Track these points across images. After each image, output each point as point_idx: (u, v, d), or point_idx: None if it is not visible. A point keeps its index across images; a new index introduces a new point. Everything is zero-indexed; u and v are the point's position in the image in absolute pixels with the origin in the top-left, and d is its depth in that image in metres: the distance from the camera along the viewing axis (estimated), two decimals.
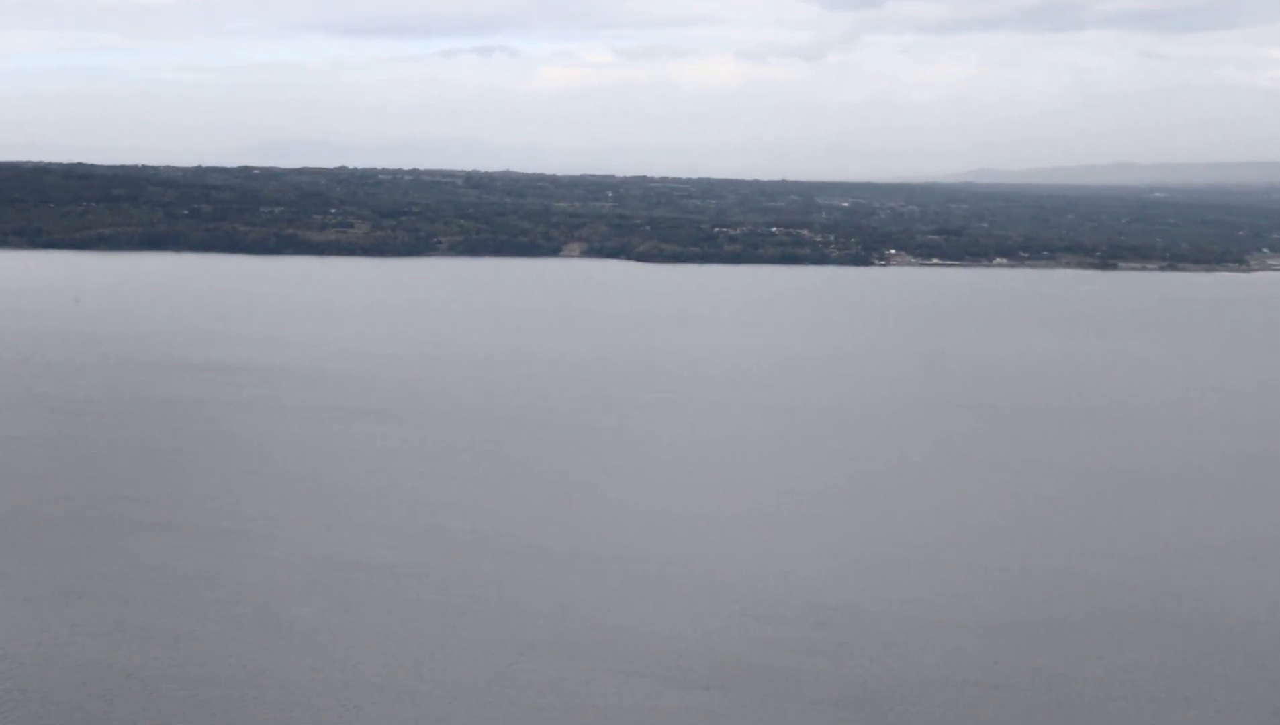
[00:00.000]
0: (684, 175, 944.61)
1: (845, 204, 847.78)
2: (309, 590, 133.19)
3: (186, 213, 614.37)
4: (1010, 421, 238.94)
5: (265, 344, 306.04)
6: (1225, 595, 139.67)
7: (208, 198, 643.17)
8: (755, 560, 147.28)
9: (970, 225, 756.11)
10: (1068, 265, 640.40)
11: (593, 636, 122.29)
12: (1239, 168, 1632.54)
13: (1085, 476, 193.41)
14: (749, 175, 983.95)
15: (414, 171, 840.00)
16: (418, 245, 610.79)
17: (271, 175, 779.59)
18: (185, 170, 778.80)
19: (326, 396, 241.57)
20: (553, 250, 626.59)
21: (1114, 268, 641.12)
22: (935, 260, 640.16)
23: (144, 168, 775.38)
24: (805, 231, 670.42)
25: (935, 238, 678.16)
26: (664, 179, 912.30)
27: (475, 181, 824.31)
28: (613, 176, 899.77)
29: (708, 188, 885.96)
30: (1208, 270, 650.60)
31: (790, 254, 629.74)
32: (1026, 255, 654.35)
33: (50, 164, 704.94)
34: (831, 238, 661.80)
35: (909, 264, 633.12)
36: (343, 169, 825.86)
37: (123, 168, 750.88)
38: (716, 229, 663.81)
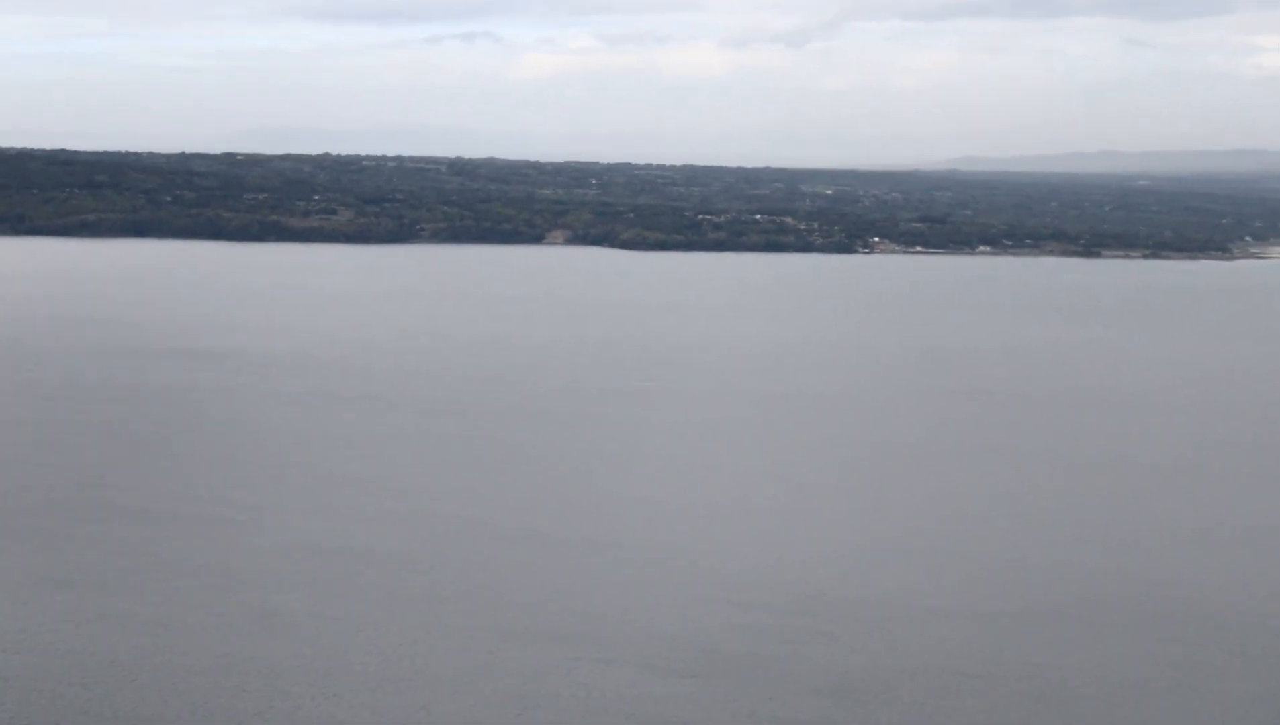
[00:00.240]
0: (668, 162, 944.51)
1: (829, 191, 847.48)
2: (293, 578, 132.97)
3: (170, 199, 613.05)
4: (999, 409, 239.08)
5: (249, 330, 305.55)
6: (1213, 584, 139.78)
7: (191, 184, 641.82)
8: (742, 548, 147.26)
9: (954, 213, 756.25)
10: (1051, 253, 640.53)
11: (576, 624, 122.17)
12: (1224, 156, 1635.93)
13: (1074, 465, 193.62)
14: (733, 162, 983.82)
15: (398, 158, 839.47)
16: (401, 232, 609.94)
17: (255, 162, 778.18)
18: (169, 156, 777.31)
19: (311, 383, 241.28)
20: (536, 237, 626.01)
21: (1097, 256, 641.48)
22: (919, 248, 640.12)
23: (127, 154, 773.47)
24: (789, 219, 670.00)
25: (919, 225, 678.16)
26: (648, 166, 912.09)
27: (459, 168, 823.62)
28: (597, 164, 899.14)
29: (692, 175, 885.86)
30: (1191, 258, 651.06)
31: (774, 241, 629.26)
32: (1010, 243, 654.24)
33: (34, 150, 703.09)
34: (815, 225, 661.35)
35: (893, 252, 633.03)
36: (326, 156, 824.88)
37: (106, 154, 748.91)
38: (700, 216, 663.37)
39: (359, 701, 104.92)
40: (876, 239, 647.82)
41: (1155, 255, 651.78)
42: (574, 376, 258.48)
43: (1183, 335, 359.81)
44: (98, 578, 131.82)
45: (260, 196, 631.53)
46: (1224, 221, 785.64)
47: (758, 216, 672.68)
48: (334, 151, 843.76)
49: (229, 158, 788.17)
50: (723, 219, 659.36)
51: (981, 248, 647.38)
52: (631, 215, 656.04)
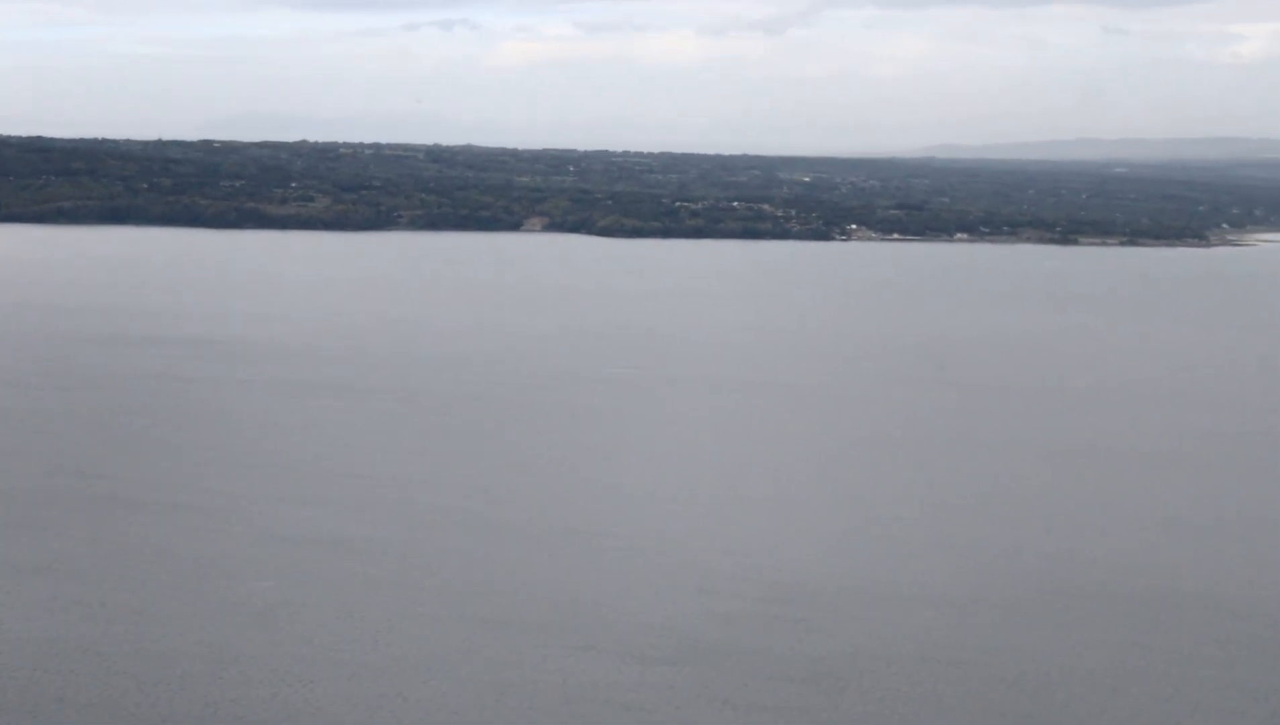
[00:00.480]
0: (646, 150, 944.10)
1: (806, 179, 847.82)
2: (268, 566, 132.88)
3: (147, 186, 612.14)
4: (980, 398, 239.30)
5: (226, 318, 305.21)
6: (1187, 571, 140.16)
7: (168, 171, 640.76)
8: (718, 537, 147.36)
9: (931, 200, 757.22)
10: (1028, 240, 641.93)
11: (551, 612, 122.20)
12: (1200, 143, 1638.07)
13: (1052, 453, 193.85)
14: (710, 150, 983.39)
15: (375, 146, 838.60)
16: (378, 219, 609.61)
17: (232, 149, 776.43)
18: (145, 144, 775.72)
19: (288, 371, 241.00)
20: (514, 225, 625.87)
21: (1074, 243, 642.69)
22: (896, 235, 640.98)
23: (104, 141, 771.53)
24: (766, 206, 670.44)
25: (896, 213, 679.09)
26: (625, 153, 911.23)
27: (436, 156, 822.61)
28: (574, 151, 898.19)
29: (669, 162, 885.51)
30: (1168, 245, 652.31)
31: (751, 228, 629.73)
32: (987, 230, 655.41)
33: (9, 137, 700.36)
34: (793, 212, 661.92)
35: (870, 239, 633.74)
36: (303, 143, 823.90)
37: (82, 141, 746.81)
38: (678, 203, 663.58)
39: (335, 689, 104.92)
40: (854, 226, 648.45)
41: (1132, 242, 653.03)
42: (554, 364, 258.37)
43: (1164, 323, 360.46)
44: (73, 565, 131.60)
45: (237, 183, 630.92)
46: (1201, 209, 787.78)
47: (735, 203, 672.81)
48: (311, 139, 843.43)
49: (206, 145, 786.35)
50: (700, 206, 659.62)
51: (959, 235, 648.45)
52: (609, 202, 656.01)
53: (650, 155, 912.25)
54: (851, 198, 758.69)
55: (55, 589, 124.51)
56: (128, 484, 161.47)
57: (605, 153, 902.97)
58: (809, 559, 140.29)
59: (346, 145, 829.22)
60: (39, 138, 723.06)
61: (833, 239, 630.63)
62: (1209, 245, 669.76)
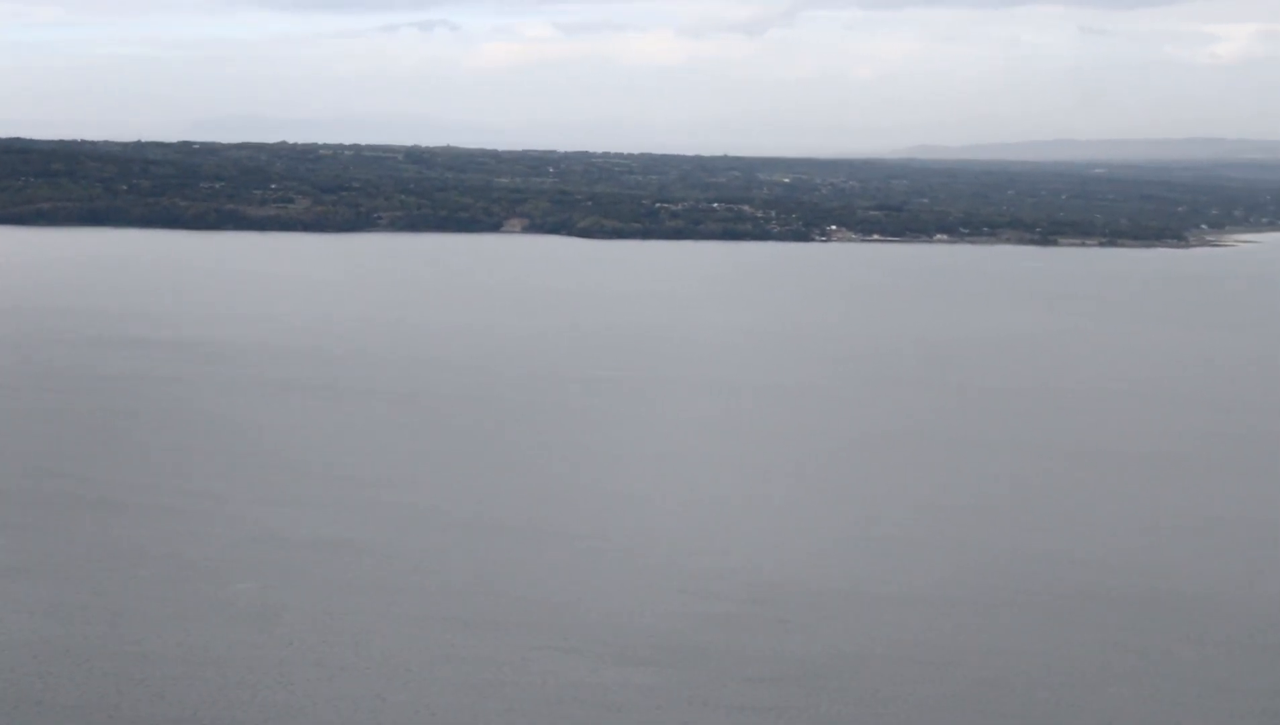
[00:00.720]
0: (625, 151, 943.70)
1: (786, 180, 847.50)
2: (249, 567, 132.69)
3: (126, 188, 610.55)
4: (965, 398, 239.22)
5: (206, 319, 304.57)
6: (1177, 572, 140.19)
7: (147, 173, 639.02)
8: (699, 538, 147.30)
9: (911, 201, 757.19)
10: (1008, 241, 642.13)
11: (532, 613, 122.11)
12: (1179, 144, 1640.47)
13: (1040, 454, 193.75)
14: (690, 151, 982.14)
15: (355, 147, 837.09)
16: (358, 220, 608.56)
17: (211, 151, 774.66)
18: (125, 145, 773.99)
19: (269, 371, 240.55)
20: (494, 226, 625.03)
21: (1054, 244, 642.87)
22: (876, 236, 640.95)
23: (83, 143, 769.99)
24: (746, 207, 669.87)
25: (876, 214, 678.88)
26: (605, 154, 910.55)
27: (416, 157, 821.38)
28: (554, 152, 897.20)
29: (649, 163, 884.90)
30: (1147, 246, 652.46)
31: (731, 230, 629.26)
32: (967, 231, 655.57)
33: None
34: (773, 213, 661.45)
35: (850, 240, 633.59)
36: (283, 145, 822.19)
37: (62, 143, 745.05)
38: (658, 205, 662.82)
39: (314, 690, 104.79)
40: (834, 227, 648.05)
41: (1111, 243, 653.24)
42: (537, 366, 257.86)
43: (1147, 323, 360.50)
44: (53, 566, 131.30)
45: (217, 185, 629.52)
46: (1180, 209, 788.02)
47: (715, 205, 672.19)
48: (291, 140, 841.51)
49: (185, 146, 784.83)
50: (680, 207, 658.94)
51: (938, 236, 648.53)
52: (589, 203, 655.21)
53: (630, 156, 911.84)
54: (831, 199, 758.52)
55: (35, 590, 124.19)
56: (108, 485, 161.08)
57: (585, 154, 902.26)
58: (793, 560, 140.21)
59: (326, 146, 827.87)
60: (18, 139, 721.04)
61: (812, 240, 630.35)
62: (1188, 246, 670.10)
